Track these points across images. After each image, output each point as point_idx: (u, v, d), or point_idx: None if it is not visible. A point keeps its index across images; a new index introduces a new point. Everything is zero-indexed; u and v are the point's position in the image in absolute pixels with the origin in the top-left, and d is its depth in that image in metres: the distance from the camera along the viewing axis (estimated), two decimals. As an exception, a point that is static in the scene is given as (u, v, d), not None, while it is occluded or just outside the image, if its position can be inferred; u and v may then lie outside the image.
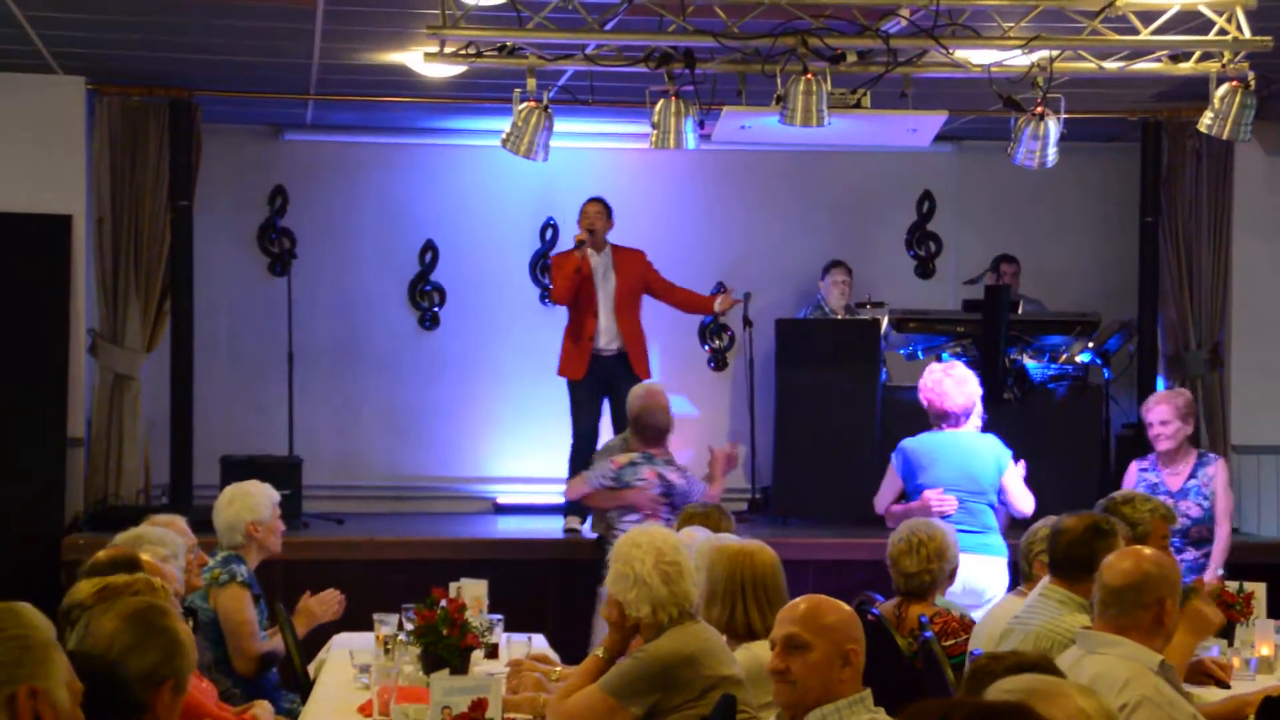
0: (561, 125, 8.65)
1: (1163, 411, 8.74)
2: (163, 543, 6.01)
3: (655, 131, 8.26)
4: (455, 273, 12.62)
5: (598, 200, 10.87)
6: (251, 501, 7.23)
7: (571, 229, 12.04)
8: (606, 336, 10.71)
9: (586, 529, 10.26)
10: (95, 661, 3.26)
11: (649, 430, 8.96)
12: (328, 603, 7.22)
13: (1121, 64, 8.52)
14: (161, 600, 4.08)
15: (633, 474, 8.84)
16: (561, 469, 10.58)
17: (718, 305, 11.11)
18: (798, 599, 4.40)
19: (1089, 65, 8.47)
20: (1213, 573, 8.36)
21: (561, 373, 10.78)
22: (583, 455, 10.38)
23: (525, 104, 8.21)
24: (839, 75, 8.20)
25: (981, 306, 11.45)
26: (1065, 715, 2.83)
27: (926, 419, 8.58)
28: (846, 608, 4.34)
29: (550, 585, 9.99)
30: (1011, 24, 8.18)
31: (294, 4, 8.66)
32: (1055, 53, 8.28)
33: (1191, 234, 11.62)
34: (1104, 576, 4.78)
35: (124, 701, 3.39)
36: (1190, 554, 8.58)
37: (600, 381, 10.70)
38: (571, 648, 7.80)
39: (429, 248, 12.60)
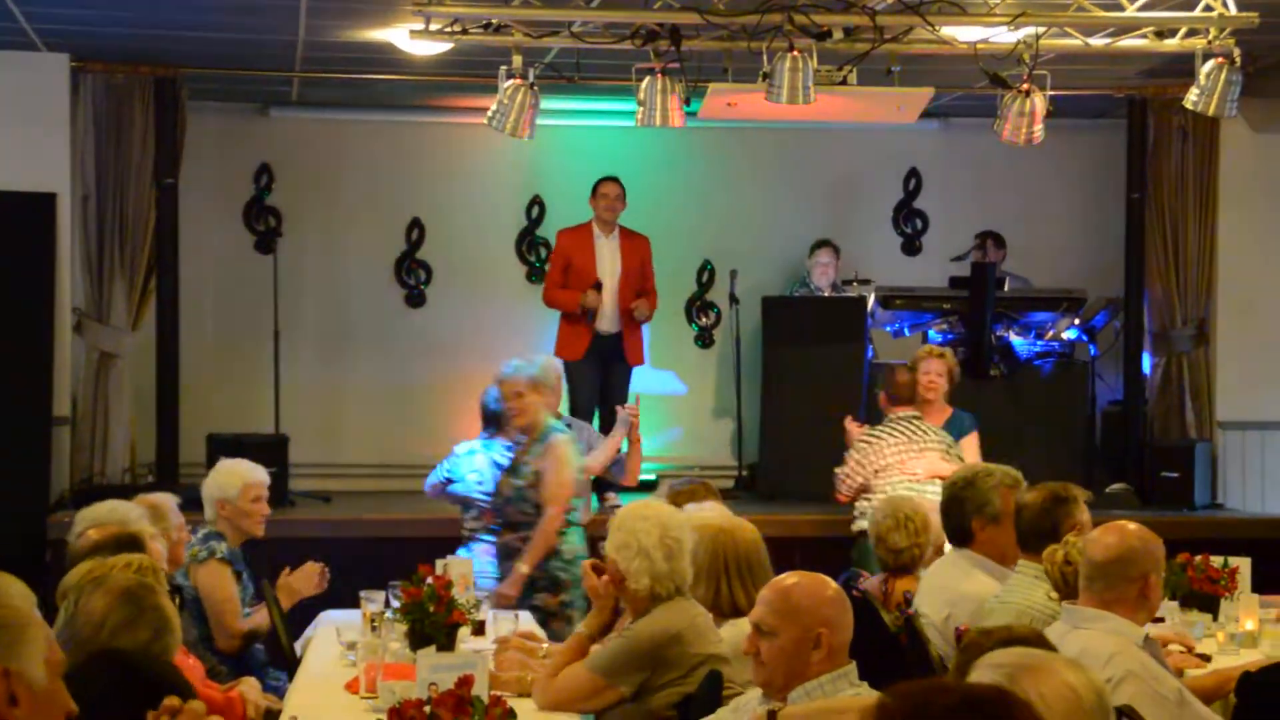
0: (547, 103, 8.63)
1: None
2: (137, 521, 5.96)
3: (641, 109, 8.25)
4: (442, 250, 12.60)
5: (616, 181, 10.88)
6: (221, 479, 7.20)
7: (559, 206, 12.08)
8: (608, 319, 10.70)
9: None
10: (90, 640, 3.26)
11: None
12: (308, 577, 7.17)
13: (1107, 40, 8.52)
14: (153, 579, 4.08)
15: None
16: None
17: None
18: (779, 577, 4.39)
19: (1075, 42, 8.46)
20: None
21: (560, 354, 10.67)
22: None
23: (511, 82, 8.20)
24: (825, 52, 8.19)
25: (968, 283, 11.46)
26: (1053, 690, 2.82)
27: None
28: (826, 588, 4.29)
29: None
30: (997, 0, 8.17)
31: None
32: (1041, 29, 8.27)
33: (1177, 211, 11.62)
34: (1089, 551, 4.79)
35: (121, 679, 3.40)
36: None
37: (597, 361, 10.68)
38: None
39: (415, 225, 12.58)
